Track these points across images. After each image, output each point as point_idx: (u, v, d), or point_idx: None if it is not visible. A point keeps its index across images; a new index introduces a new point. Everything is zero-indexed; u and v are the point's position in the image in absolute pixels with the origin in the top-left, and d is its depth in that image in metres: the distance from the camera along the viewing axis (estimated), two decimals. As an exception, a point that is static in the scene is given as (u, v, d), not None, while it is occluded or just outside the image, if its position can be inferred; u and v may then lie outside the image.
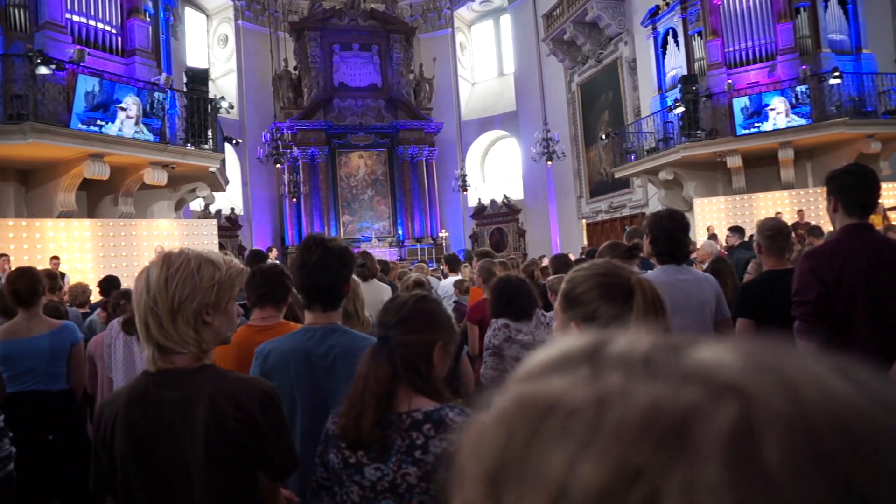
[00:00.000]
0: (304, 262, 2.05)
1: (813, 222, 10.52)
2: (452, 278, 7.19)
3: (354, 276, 3.82)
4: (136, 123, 10.51)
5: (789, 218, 11.89)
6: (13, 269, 3.95)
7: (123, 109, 10.28)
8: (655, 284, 2.69)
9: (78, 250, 10.49)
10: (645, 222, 2.99)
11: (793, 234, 9.03)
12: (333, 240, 2.14)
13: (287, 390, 1.95)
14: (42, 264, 8.78)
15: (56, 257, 9.47)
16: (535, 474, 0.26)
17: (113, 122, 10.23)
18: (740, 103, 13.32)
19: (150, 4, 12.10)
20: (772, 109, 12.94)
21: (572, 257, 8.40)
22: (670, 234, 2.79)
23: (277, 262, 6.63)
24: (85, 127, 9.79)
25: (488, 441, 0.28)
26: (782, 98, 12.87)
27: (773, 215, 11.83)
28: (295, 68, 22.41)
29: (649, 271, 2.95)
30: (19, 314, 3.62)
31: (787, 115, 12.82)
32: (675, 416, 0.25)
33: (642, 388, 0.27)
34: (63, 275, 9.05)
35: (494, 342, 3.39)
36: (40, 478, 3.50)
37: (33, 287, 3.59)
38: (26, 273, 3.70)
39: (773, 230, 3.19)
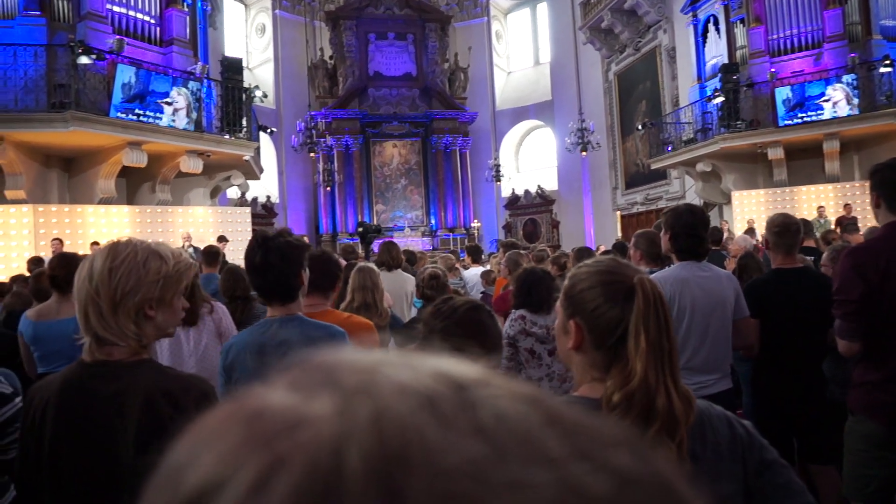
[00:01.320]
0: (250, 265, 2.08)
1: (860, 217, 10.12)
2: (474, 269, 7.16)
3: (374, 267, 3.84)
4: (188, 114, 10.74)
5: (833, 212, 11.48)
6: (56, 254, 4.07)
7: (169, 104, 10.51)
8: (674, 281, 2.63)
9: (117, 236, 10.73)
10: (663, 218, 2.89)
11: (836, 229, 8.71)
12: (277, 235, 2.14)
13: (246, 381, 1.99)
14: (83, 249, 9.06)
15: (97, 243, 9.76)
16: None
17: (162, 114, 10.48)
18: (783, 93, 12.87)
19: (189, -5, 12.31)
20: (826, 100, 12.38)
21: (602, 248, 8.28)
22: (691, 229, 2.70)
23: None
24: (123, 116, 10.04)
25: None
26: (840, 85, 12.28)
27: (816, 209, 11.47)
28: (330, 57, 22.55)
29: (668, 267, 2.86)
30: (52, 297, 3.74)
31: (847, 103, 12.23)
32: (271, 430, 0.25)
33: (285, 402, 0.27)
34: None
35: (510, 333, 3.37)
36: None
37: (70, 276, 3.69)
38: (69, 262, 3.82)
39: (781, 226, 3.06)
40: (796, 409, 2.95)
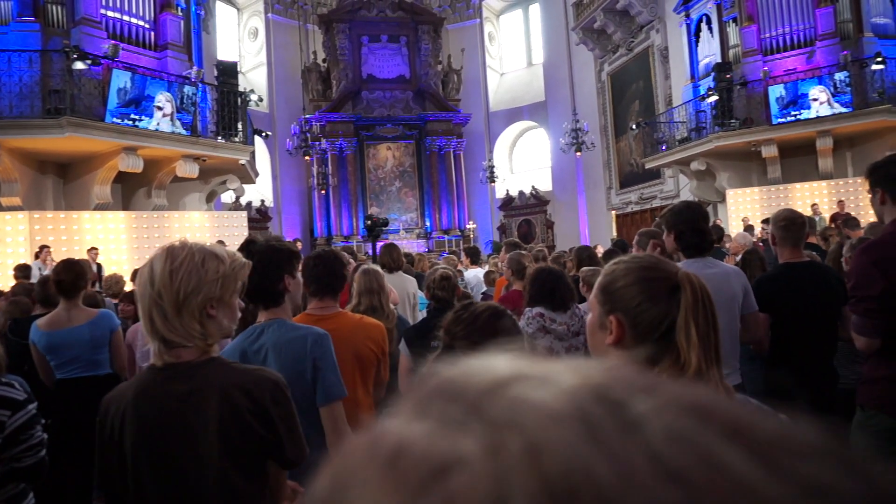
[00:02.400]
0: None
1: (853, 213, 10.20)
2: (473, 270, 7.19)
3: (379, 269, 3.84)
4: (172, 120, 10.70)
5: (827, 209, 11.56)
6: (58, 261, 4.06)
7: (160, 108, 10.48)
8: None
9: (113, 241, 10.74)
10: (662, 219, 2.91)
11: (831, 225, 8.77)
12: (264, 239, 2.16)
13: None
14: (80, 255, 8.99)
15: (94, 248, 9.71)
16: None
17: (151, 118, 10.44)
18: (776, 92, 12.96)
19: (182, -1, 12.28)
20: (814, 100, 12.53)
21: (600, 249, 8.31)
22: (694, 224, 2.73)
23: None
24: (119, 121, 9.99)
25: (321, 482, 0.26)
26: (822, 87, 12.45)
27: (810, 206, 11.55)
28: (324, 60, 22.53)
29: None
30: (60, 305, 3.73)
31: (829, 105, 12.40)
32: (421, 474, 0.23)
33: (421, 436, 0.24)
34: (100, 266, 9.29)
35: (528, 331, 3.37)
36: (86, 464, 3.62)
37: (76, 281, 3.71)
38: (73, 266, 3.81)
39: (787, 220, 3.07)
40: (807, 402, 2.97)
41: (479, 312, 1.57)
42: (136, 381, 1.50)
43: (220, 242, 10.53)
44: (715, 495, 0.20)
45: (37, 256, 8.90)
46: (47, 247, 9.08)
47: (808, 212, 11.35)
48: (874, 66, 12.19)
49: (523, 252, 5.00)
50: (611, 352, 1.23)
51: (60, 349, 3.64)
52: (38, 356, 3.67)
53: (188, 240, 1.49)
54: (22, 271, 7.56)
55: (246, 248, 2.10)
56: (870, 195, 2.54)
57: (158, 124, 10.52)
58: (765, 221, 7.94)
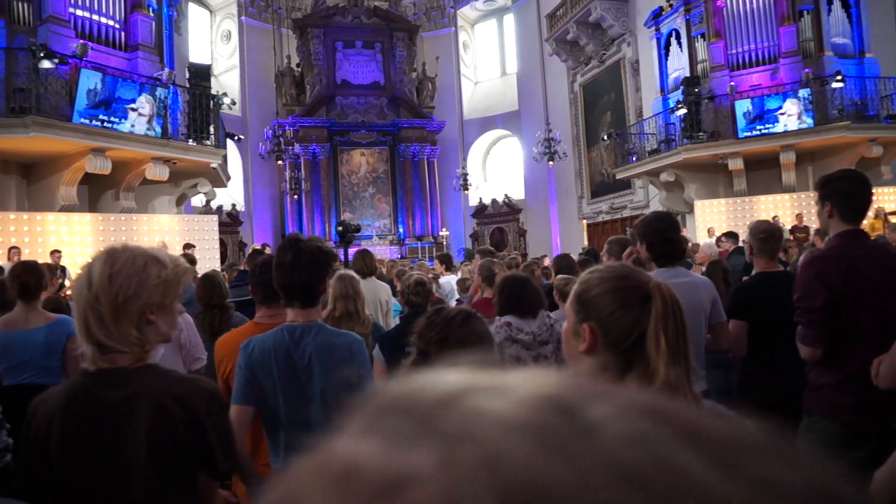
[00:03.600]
0: (280, 262, 2.10)
1: (812, 226, 10.52)
2: (446, 277, 7.23)
3: (355, 275, 3.85)
4: (150, 122, 10.54)
5: (788, 221, 11.90)
6: (18, 262, 3.97)
7: (134, 110, 10.31)
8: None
9: (79, 244, 10.51)
10: (635, 230, 3.00)
11: (790, 237, 9.02)
12: (310, 239, 2.17)
13: (270, 385, 2.02)
14: (43, 258, 8.79)
15: (57, 251, 9.49)
16: None
17: (126, 120, 10.26)
18: (743, 106, 13.31)
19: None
20: (782, 113, 12.86)
21: (574, 258, 8.41)
22: (664, 234, 2.81)
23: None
24: (88, 122, 9.80)
25: None
26: (795, 100, 12.78)
27: (771, 218, 11.87)
28: (298, 65, 22.40)
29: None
30: (18, 306, 3.64)
31: (798, 118, 12.74)
32: (372, 494, 0.22)
33: (370, 456, 0.23)
34: (64, 269, 9.08)
35: (496, 340, 3.39)
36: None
37: (39, 282, 3.63)
38: (34, 268, 3.73)
39: (766, 232, 3.21)
40: (781, 406, 3.07)
41: (451, 316, 1.59)
42: (68, 385, 1.46)
43: (189, 245, 10.41)
44: (671, 496, 0.20)
45: (9, 258, 8.68)
46: (17, 248, 8.87)
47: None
48: (834, 84, 12.61)
49: (494, 259, 5.05)
50: (584, 360, 1.25)
51: (12, 351, 3.52)
52: None
53: (129, 244, 1.46)
54: (-17, 273, 7.34)
55: (296, 244, 2.10)
56: (817, 206, 2.64)
57: (133, 126, 10.35)
58: (725, 235, 8.03)
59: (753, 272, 3.39)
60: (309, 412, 2.00)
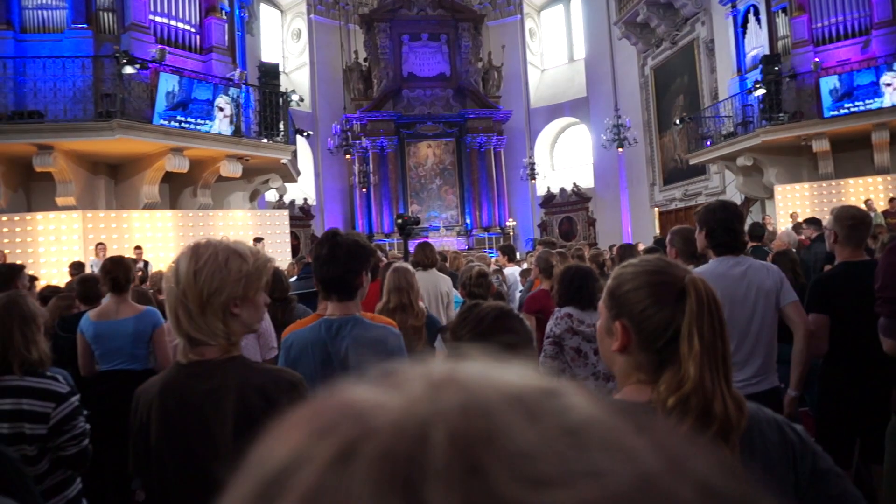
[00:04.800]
0: (317, 256, 2.13)
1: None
2: (510, 268, 7.17)
3: (410, 267, 3.86)
4: (232, 122, 11.04)
5: (880, 206, 11.08)
6: (107, 259, 4.27)
7: (221, 109, 10.82)
8: (709, 277, 2.58)
9: (161, 240, 11.10)
10: (697, 215, 2.86)
11: (881, 224, 8.38)
12: (347, 234, 2.19)
13: (309, 379, 2.04)
14: (128, 253, 9.34)
15: (139, 247, 10.06)
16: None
17: (212, 120, 10.79)
18: (829, 84, 12.44)
19: (227, 3, 12.59)
20: (887, 85, 11.85)
21: (641, 247, 8.15)
22: (726, 224, 2.70)
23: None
24: (167, 123, 10.33)
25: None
26: (892, 73, 11.76)
27: (862, 202, 11.08)
28: (365, 60, 22.75)
29: (705, 264, 2.82)
30: (110, 299, 3.90)
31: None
32: (353, 412, 0.26)
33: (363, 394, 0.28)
34: (147, 263, 9.62)
35: (556, 331, 3.33)
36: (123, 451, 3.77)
37: (128, 276, 3.90)
38: (122, 262, 4.00)
39: (854, 219, 2.98)
40: (863, 406, 2.86)
41: (484, 314, 1.56)
42: (163, 376, 1.56)
43: (258, 238, 10.79)
44: (602, 452, 0.23)
45: (96, 254, 9.30)
46: (103, 244, 9.47)
47: (861, 208, 10.89)
48: (935, 55, 11.59)
49: (553, 251, 4.95)
50: (617, 358, 1.20)
51: (105, 339, 3.81)
52: (84, 346, 3.83)
53: (212, 238, 1.52)
54: (76, 268, 7.88)
55: (333, 238, 2.14)
56: None
57: (220, 125, 10.88)
58: (807, 222, 7.53)
59: (836, 262, 3.17)
60: None
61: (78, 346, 3.84)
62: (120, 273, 3.86)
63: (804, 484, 1.14)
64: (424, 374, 0.27)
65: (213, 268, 1.43)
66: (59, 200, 10.41)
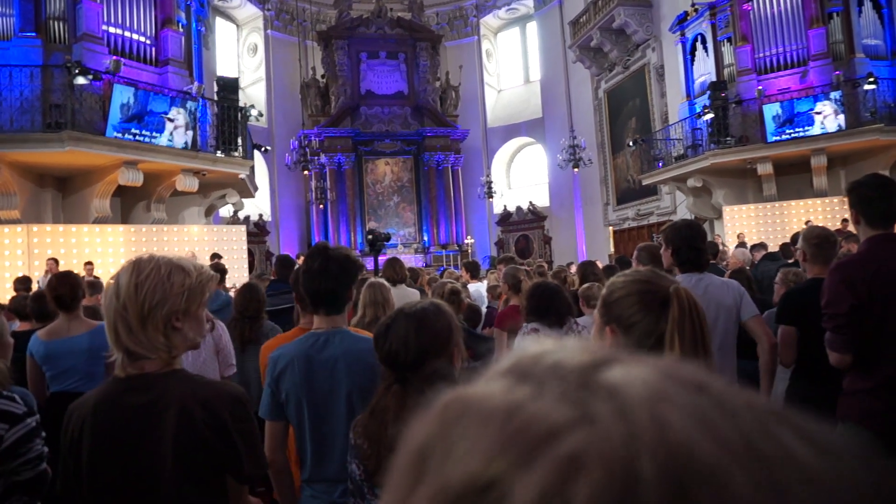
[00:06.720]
0: (308, 269, 2.13)
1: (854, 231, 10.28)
2: (474, 285, 7.23)
3: (385, 282, 3.87)
4: (185, 131, 10.81)
5: (832, 227, 11.65)
6: (53, 276, 4.08)
7: (171, 120, 10.58)
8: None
9: (112, 255, 10.75)
10: (662, 234, 3.02)
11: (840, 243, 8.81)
12: (337, 248, 2.21)
13: (294, 392, 2.04)
14: (78, 269, 9.01)
15: (89, 262, 9.72)
16: (441, 465, 0.27)
17: (162, 133, 10.53)
18: (771, 110, 13.12)
19: (183, 15, 12.41)
20: (818, 113, 12.60)
21: (599, 265, 8.35)
22: (691, 242, 2.83)
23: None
24: (121, 136, 10.06)
25: (423, 427, 0.29)
26: (827, 101, 12.52)
27: (804, 223, 11.64)
28: (322, 76, 22.71)
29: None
30: (60, 317, 3.74)
31: (835, 117, 12.45)
32: (539, 432, 0.25)
33: (531, 401, 0.27)
34: (97, 279, 9.29)
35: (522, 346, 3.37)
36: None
37: (74, 293, 3.72)
38: (69, 278, 3.83)
39: (819, 238, 3.17)
40: (827, 416, 2.99)
41: (393, 321, 1.67)
42: (98, 390, 1.51)
43: (216, 255, 10.57)
44: (782, 471, 0.24)
45: (48, 270, 8.93)
46: (55, 259, 9.11)
47: (803, 228, 11.44)
48: (866, 86, 12.36)
49: (519, 267, 5.04)
50: None
51: (57, 359, 3.62)
52: (33, 367, 3.63)
53: (155, 253, 1.50)
54: (22, 283, 7.56)
55: (325, 252, 2.15)
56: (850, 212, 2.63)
57: (172, 137, 10.62)
58: (753, 247, 7.85)
59: (808, 278, 3.34)
60: (333, 417, 2.03)
61: (27, 368, 3.64)
62: (66, 291, 3.68)
63: None
64: (584, 381, 0.27)
65: (154, 281, 1.41)
66: (2, 214, 9.99)
